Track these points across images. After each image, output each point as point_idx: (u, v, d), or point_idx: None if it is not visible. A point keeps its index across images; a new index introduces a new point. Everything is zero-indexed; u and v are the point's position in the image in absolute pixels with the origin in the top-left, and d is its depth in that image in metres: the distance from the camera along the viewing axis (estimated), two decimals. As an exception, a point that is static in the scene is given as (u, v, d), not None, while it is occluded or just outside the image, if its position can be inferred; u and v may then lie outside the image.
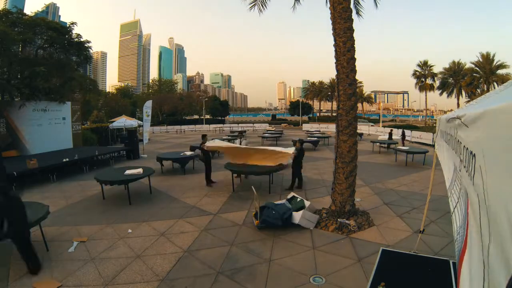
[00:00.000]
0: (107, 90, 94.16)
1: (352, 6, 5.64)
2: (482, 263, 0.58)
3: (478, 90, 35.03)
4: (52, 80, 12.44)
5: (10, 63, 10.79)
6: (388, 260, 3.19)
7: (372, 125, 28.87)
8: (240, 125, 38.06)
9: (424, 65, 41.05)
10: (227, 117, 59.88)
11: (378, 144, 15.53)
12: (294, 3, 7.85)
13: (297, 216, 5.31)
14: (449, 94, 39.03)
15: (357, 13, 7.48)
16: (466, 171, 0.94)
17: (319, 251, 4.46)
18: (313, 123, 39.14)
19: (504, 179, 0.46)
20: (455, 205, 1.29)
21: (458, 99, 38.09)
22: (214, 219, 5.81)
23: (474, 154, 0.78)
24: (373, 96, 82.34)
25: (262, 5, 7.40)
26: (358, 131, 5.94)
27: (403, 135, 16.21)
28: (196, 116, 53.33)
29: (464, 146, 1.02)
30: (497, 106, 0.57)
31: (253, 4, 7.36)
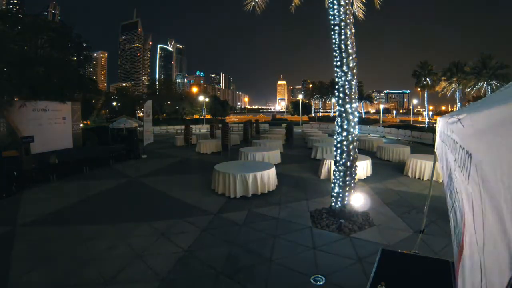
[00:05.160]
0: (107, 90, 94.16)
1: (352, 5, 5.64)
2: (479, 264, 0.58)
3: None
4: (52, 80, 12.45)
5: (10, 63, 10.78)
6: (388, 260, 3.18)
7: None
8: (240, 125, 37.97)
9: (424, 65, 41.02)
10: (227, 117, 59.86)
11: None
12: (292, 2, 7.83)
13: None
14: (450, 95, 39.01)
15: (357, 12, 7.47)
16: (461, 171, 0.93)
17: (319, 251, 4.47)
18: (314, 123, 39.08)
19: (503, 179, 0.46)
20: (452, 205, 1.29)
21: (458, 99, 38.11)
22: (214, 219, 5.81)
23: (470, 153, 0.78)
24: (373, 95, 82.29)
25: (257, 4, 7.37)
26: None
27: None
28: (196, 116, 53.33)
29: (460, 146, 1.02)
30: (495, 107, 0.58)
31: (248, 2, 7.35)
